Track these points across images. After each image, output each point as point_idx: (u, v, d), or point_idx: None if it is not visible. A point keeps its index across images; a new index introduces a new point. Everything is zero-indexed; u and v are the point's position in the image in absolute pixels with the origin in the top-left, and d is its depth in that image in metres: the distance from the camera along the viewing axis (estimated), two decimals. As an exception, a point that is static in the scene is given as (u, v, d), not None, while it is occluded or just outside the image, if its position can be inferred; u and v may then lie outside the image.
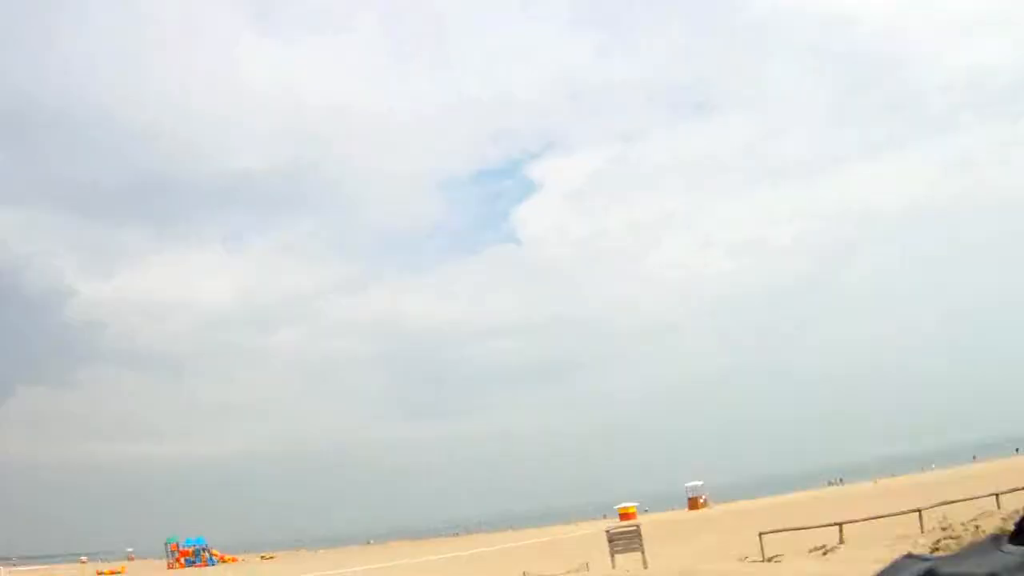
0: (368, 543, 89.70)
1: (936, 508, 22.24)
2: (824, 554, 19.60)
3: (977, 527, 18.87)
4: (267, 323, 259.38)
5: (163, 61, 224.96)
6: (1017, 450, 73.59)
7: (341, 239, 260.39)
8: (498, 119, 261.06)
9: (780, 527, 22.89)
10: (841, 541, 20.73)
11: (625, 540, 23.55)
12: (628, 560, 23.07)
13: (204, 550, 65.98)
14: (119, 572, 66.25)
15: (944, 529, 19.75)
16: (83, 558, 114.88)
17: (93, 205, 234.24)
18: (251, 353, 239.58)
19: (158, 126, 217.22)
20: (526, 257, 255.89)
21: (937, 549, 15.25)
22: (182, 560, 64.67)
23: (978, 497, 23.19)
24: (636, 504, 68.30)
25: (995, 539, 1.40)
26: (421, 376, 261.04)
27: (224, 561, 66.26)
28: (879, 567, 1.46)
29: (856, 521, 21.85)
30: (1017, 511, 16.14)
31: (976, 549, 1.39)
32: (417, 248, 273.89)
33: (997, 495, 23.28)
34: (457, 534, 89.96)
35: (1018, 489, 23.17)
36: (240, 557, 70.53)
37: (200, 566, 63.42)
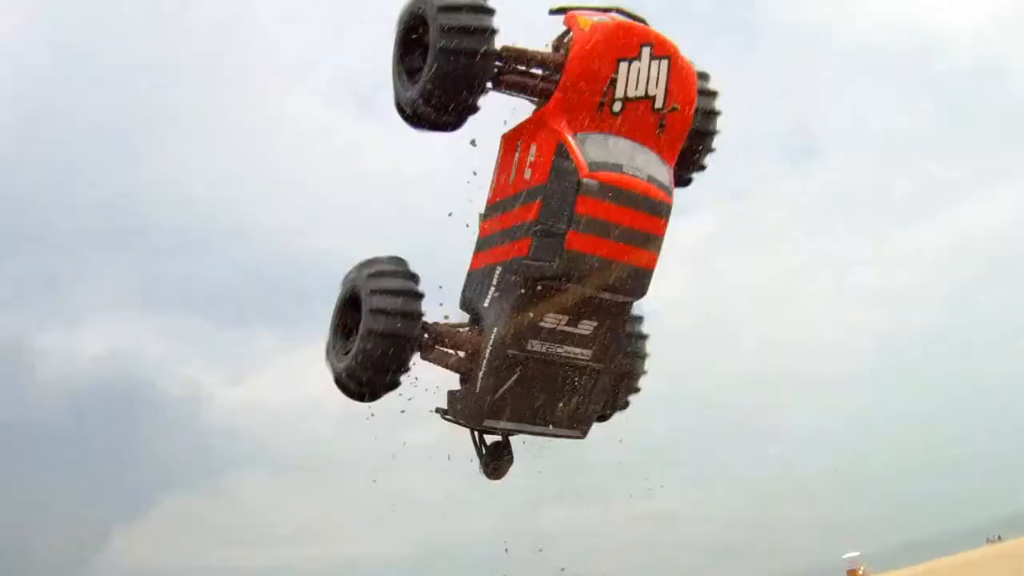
0: None
1: None
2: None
3: None
4: (398, 419, 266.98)
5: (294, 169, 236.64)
6: None
7: None
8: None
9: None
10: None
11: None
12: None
13: None
14: None
15: None
16: None
17: (225, 311, 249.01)
18: (388, 450, 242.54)
19: (287, 233, 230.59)
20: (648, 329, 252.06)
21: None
22: None
23: None
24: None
25: None
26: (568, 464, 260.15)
27: None
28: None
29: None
30: None
31: None
32: None
33: None
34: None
35: None
36: None
37: None
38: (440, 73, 5.94)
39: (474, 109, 6.33)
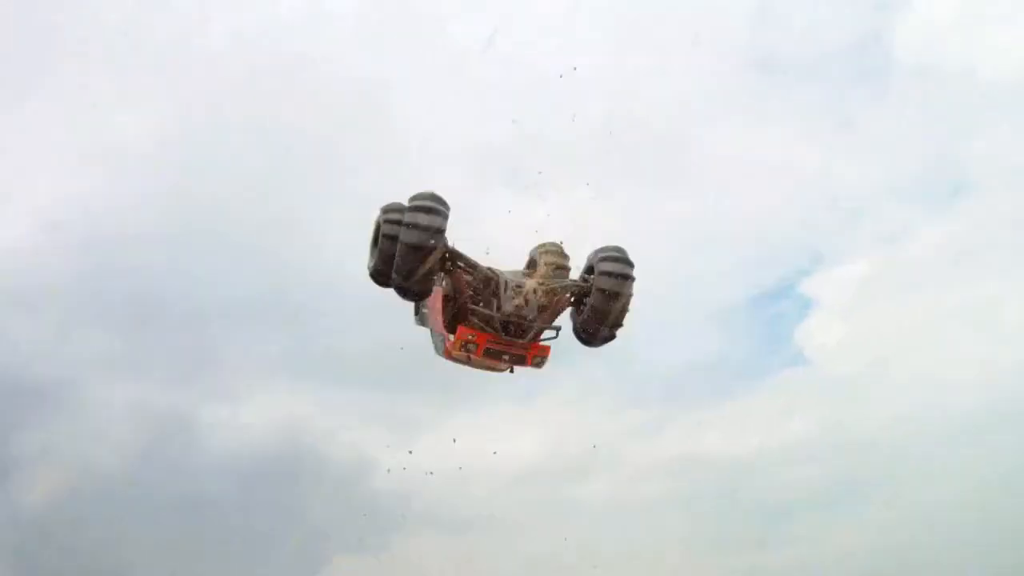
0: None
1: None
2: None
3: None
4: (569, 475, 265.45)
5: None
6: None
7: (628, 383, 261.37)
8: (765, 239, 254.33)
9: None
10: None
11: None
12: None
13: None
14: None
15: None
16: None
17: (382, 376, 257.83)
18: (558, 506, 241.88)
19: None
20: (815, 378, 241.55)
21: None
22: None
23: None
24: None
25: None
26: (722, 512, 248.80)
27: None
28: None
29: None
30: None
31: None
32: (705, 382, 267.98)
33: None
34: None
35: None
36: None
37: None
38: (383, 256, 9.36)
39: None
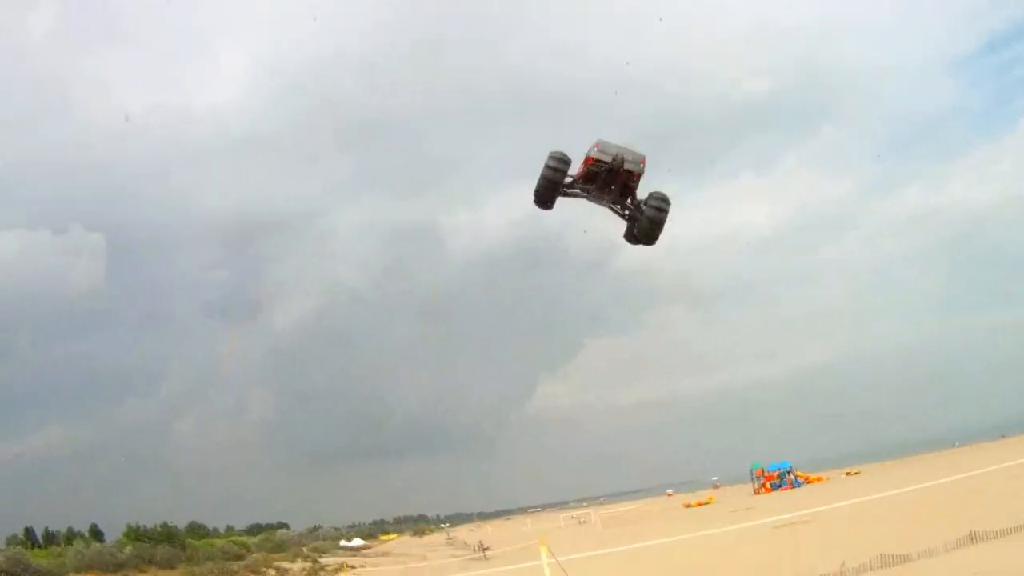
0: (954, 445, 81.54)
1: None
2: None
3: None
4: (813, 239, 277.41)
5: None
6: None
7: (865, 141, 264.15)
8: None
9: None
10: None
11: None
12: None
13: (789, 473, 66.64)
14: (707, 502, 68.56)
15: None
16: (669, 491, 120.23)
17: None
18: (803, 271, 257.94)
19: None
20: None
21: None
22: (768, 485, 66.11)
23: None
24: None
25: None
26: (963, 268, 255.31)
27: (810, 481, 66.15)
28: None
29: None
30: None
31: None
32: (942, 135, 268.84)
33: None
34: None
35: None
36: (825, 475, 69.55)
37: (786, 489, 63.82)
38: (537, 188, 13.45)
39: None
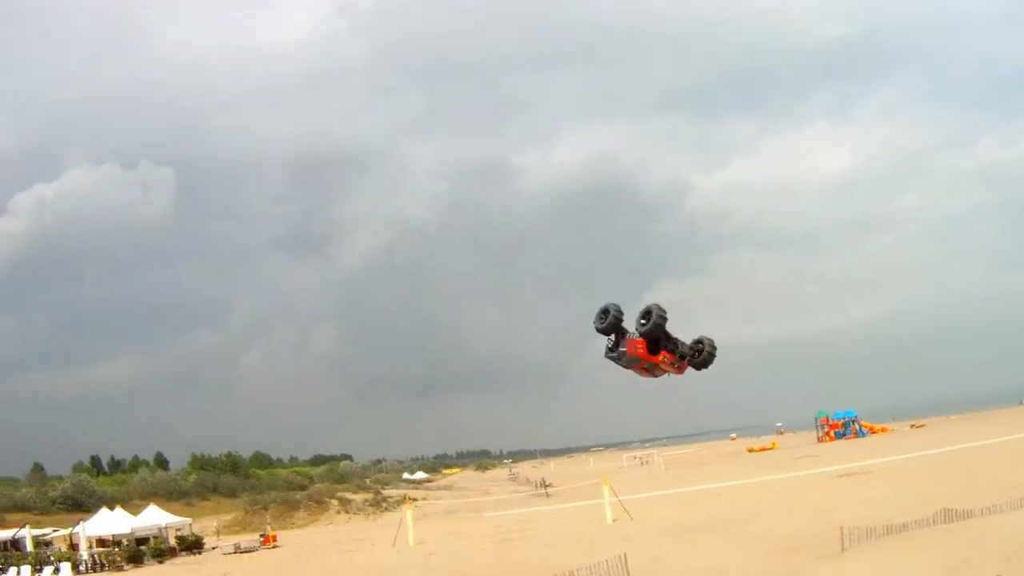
0: (1022, 402, 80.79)
1: None
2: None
3: None
4: (886, 189, 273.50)
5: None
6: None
7: (944, 92, 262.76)
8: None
9: None
10: None
11: None
12: None
13: (854, 422, 67.49)
14: (770, 448, 70.85)
15: None
16: (733, 435, 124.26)
17: (699, 105, 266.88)
18: (875, 221, 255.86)
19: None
20: None
21: None
22: (832, 433, 67.13)
23: None
24: None
25: None
26: None
27: (874, 432, 66.99)
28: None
29: None
30: None
31: None
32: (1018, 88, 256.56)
33: None
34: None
35: None
36: (890, 426, 70.31)
37: (850, 438, 64.48)
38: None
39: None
